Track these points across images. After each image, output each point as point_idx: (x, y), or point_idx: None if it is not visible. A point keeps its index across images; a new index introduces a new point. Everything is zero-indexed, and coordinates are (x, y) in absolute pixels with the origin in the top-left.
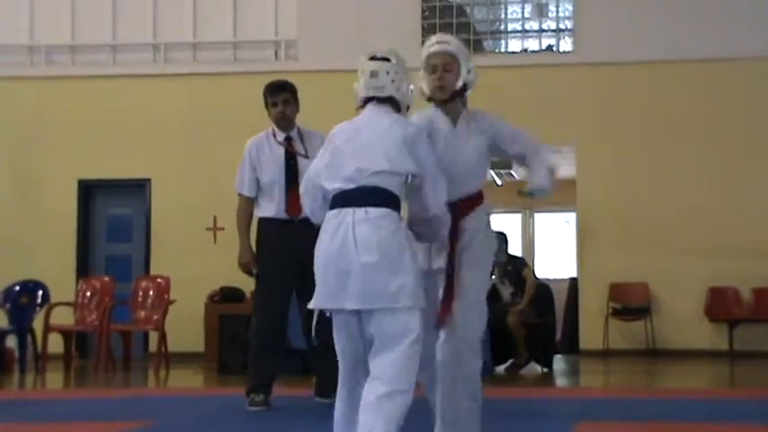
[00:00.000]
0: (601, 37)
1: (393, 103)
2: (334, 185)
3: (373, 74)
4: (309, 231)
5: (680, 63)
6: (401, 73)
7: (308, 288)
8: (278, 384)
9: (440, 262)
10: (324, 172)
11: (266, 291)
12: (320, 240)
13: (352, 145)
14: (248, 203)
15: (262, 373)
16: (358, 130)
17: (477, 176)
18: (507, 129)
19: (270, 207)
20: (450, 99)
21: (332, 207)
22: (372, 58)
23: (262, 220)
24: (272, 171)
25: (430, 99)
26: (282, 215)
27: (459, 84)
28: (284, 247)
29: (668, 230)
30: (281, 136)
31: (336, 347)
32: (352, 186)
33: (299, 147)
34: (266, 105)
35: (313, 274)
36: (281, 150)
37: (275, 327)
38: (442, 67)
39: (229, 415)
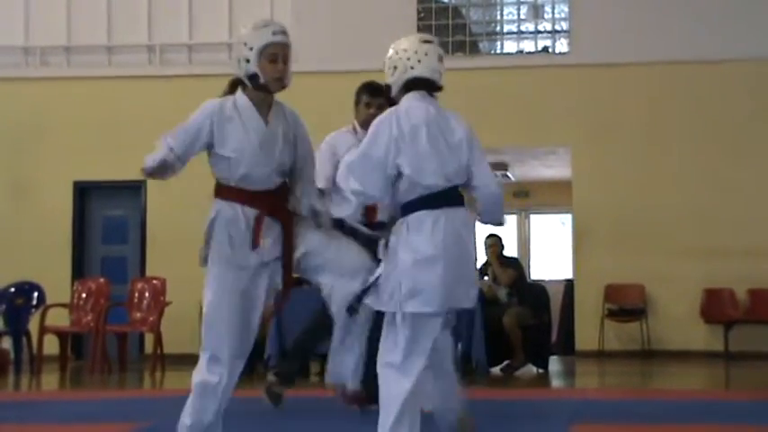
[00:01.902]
0: (596, 38)
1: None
2: (429, 182)
3: (441, 58)
4: (386, 233)
5: (675, 64)
6: None
7: None
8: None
9: (275, 252)
10: (411, 164)
11: None
12: (425, 240)
13: (444, 142)
14: None
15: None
16: (439, 124)
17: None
18: (305, 129)
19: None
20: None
21: (424, 206)
22: (430, 42)
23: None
24: None
25: (261, 87)
26: (359, 218)
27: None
28: None
29: (664, 232)
30: (362, 135)
31: (421, 354)
32: (449, 185)
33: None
34: (357, 103)
35: None
36: None
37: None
38: (283, 58)
39: (225, 417)
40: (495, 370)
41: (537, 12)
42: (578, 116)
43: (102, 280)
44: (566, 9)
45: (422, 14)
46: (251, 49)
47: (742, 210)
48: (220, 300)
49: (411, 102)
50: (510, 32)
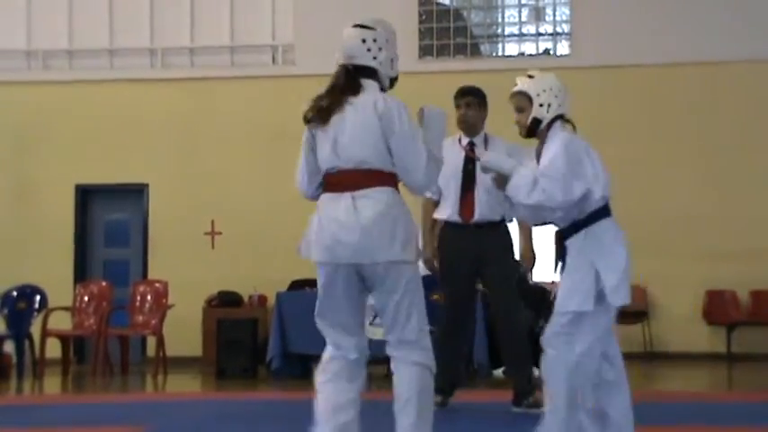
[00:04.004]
0: (598, 40)
1: None
2: (606, 194)
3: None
4: (482, 235)
5: (677, 66)
6: None
7: (490, 292)
8: (277, 388)
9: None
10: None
11: (446, 295)
12: (617, 242)
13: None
14: (428, 203)
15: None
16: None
17: None
18: None
19: (445, 209)
20: None
21: (605, 215)
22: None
23: (441, 223)
24: (450, 173)
25: (388, 89)
26: (455, 218)
27: None
28: (459, 251)
29: (666, 234)
30: (464, 140)
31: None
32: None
33: (480, 152)
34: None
35: (490, 277)
36: (462, 154)
37: (456, 330)
38: None
39: (227, 420)
40: (498, 372)
41: (538, 14)
42: (579, 118)
43: (104, 283)
44: (567, 11)
45: (423, 17)
46: (395, 51)
47: (744, 211)
48: None
49: (565, 131)
50: (511, 35)
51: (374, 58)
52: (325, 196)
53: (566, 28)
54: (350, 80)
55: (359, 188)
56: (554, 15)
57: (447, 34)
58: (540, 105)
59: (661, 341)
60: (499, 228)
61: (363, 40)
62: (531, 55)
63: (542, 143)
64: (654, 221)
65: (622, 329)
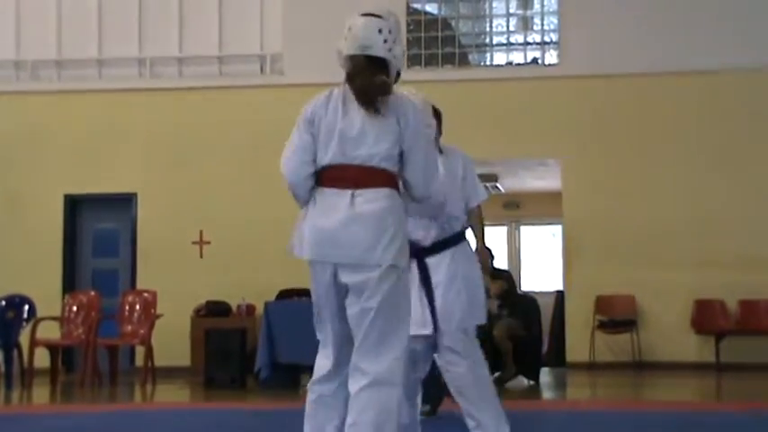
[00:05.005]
0: (586, 50)
1: None
2: None
3: None
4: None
5: (664, 76)
6: None
7: None
8: (266, 398)
9: None
10: None
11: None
12: None
13: None
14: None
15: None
16: None
17: None
18: None
19: None
20: None
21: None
22: None
23: None
24: None
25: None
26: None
27: None
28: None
29: (655, 243)
30: None
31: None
32: None
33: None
34: None
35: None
36: None
37: None
38: None
39: (215, 430)
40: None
41: (526, 23)
42: (568, 127)
43: (92, 293)
44: (555, 21)
45: (411, 27)
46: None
47: (732, 220)
48: None
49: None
50: (499, 44)
51: (389, 50)
52: (326, 191)
53: (554, 37)
54: (374, 69)
55: (360, 186)
56: (542, 25)
57: (435, 44)
58: (428, 126)
59: (650, 350)
60: None
61: (380, 30)
62: (519, 64)
63: None
64: (642, 230)
65: (611, 338)
